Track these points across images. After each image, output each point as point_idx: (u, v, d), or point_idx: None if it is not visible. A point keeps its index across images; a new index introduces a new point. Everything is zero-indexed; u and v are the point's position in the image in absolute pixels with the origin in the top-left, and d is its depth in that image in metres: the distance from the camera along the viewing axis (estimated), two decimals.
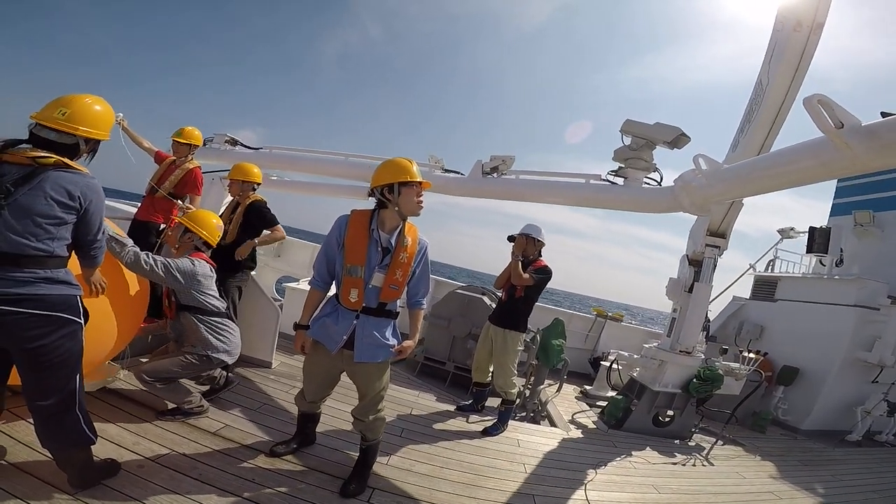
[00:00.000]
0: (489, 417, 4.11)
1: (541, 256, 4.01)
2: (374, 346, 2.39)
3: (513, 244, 3.94)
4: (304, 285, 5.40)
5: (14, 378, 1.89)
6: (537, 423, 4.64)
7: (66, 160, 1.78)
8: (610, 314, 7.77)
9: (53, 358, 1.77)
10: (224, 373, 3.05)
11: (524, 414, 4.73)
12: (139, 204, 4.25)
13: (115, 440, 2.40)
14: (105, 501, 1.99)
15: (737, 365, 5.18)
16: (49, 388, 1.82)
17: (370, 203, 2.48)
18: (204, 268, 2.90)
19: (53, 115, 1.78)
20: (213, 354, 2.87)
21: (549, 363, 4.71)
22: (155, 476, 2.23)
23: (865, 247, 6.95)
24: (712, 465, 4.23)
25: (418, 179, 2.35)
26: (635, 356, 5.41)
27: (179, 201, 3.81)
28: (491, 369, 4.13)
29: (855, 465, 5.08)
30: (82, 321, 1.86)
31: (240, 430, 2.91)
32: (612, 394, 5.73)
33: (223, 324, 2.97)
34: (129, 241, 2.57)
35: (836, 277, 6.70)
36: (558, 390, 5.19)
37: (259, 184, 3.87)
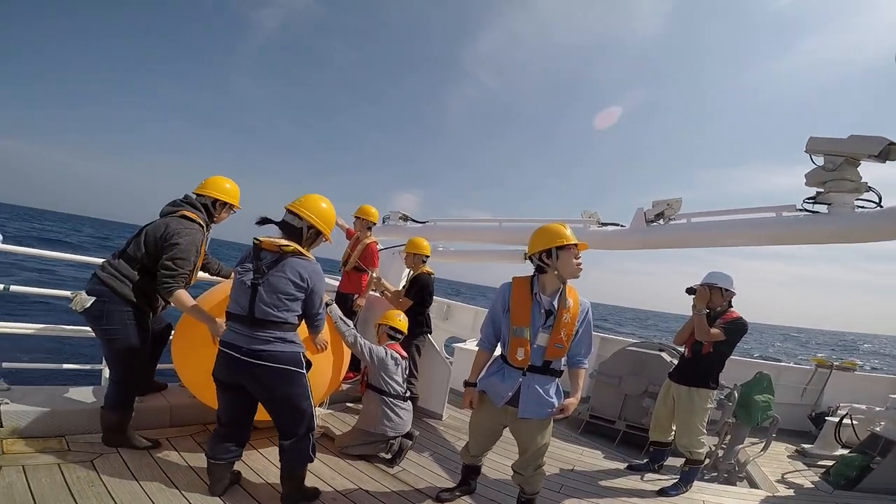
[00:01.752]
0: (668, 477, 3.74)
1: (731, 307, 3.56)
2: (538, 403, 2.50)
3: (694, 297, 3.56)
4: (469, 345, 5.85)
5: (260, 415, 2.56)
6: (733, 484, 4.09)
7: (301, 249, 2.35)
8: (836, 363, 6.42)
9: (286, 400, 2.35)
10: (408, 441, 3.49)
11: (715, 475, 4.20)
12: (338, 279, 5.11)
13: (316, 472, 2.90)
14: None
15: None
16: (290, 423, 2.40)
17: (525, 266, 2.67)
18: (393, 357, 3.52)
19: (296, 204, 2.42)
20: (378, 431, 3.37)
21: (750, 421, 4.14)
22: None
23: None
24: None
25: (574, 242, 2.42)
26: (878, 409, 4.41)
27: (372, 272, 4.58)
28: (673, 428, 3.76)
29: None
30: (305, 371, 2.45)
31: (413, 474, 3.29)
32: (841, 452, 4.76)
33: (397, 404, 3.46)
34: (351, 324, 3.38)
35: None
36: (764, 449, 4.40)
37: (428, 256, 4.37)
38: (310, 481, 2.71)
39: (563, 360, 2.55)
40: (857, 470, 4.02)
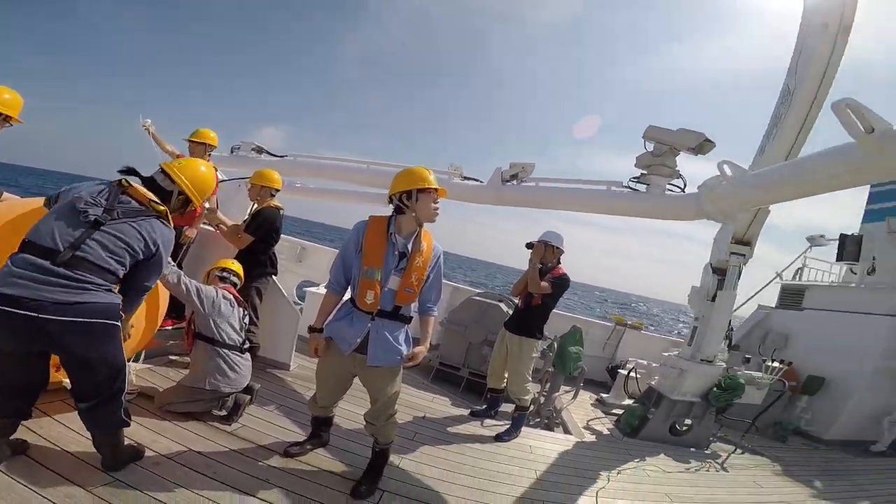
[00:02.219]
0: (503, 423, 4.09)
1: (560, 264, 3.97)
2: (387, 350, 2.41)
3: (531, 251, 3.90)
4: (323, 290, 5.42)
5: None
6: (551, 429, 4.61)
7: (168, 213, 2.12)
8: (630, 323, 7.67)
9: (100, 359, 1.93)
10: (245, 396, 3.08)
11: (538, 420, 4.70)
12: None
13: (135, 437, 2.43)
14: (120, 495, 2.04)
15: (759, 374, 5.06)
16: (97, 388, 1.99)
17: (388, 210, 2.52)
18: (227, 298, 3.01)
19: (171, 164, 2.19)
20: (209, 387, 2.89)
21: (565, 370, 4.66)
22: (170, 473, 2.28)
23: None
24: (727, 472, 4.15)
25: (435, 186, 2.41)
26: (654, 365, 5.37)
27: (205, 202, 3.93)
28: (506, 376, 4.11)
29: (876, 476, 4.99)
30: (119, 324, 1.98)
31: (256, 430, 2.95)
32: (628, 402, 5.68)
33: (230, 357, 2.99)
34: (173, 262, 2.71)
35: (862, 286, 6.54)
36: (574, 397, 5.11)
37: (277, 189, 3.92)
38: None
39: (413, 306, 2.52)
40: (639, 419, 4.81)
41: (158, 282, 2.64)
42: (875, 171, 1.95)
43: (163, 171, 2.20)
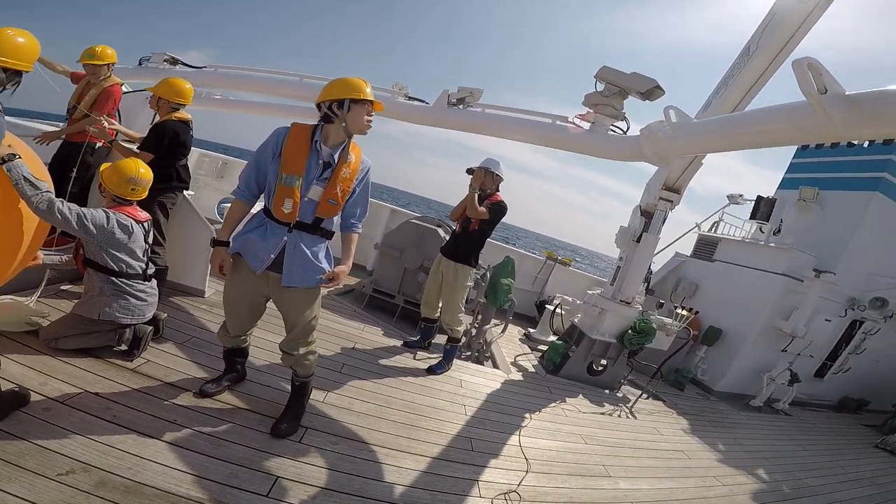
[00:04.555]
0: (436, 355, 4.13)
1: (498, 191, 3.91)
2: (305, 268, 2.22)
3: (471, 177, 3.80)
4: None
5: None
6: (481, 363, 4.72)
7: None
8: (559, 258, 7.79)
9: None
10: (147, 328, 2.73)
11: (469, 353, 4.79)
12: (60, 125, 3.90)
13: (17, 380, 2.13)
14: (4, 447, 1.77)
15: (669, 320, 5.40)
16: None
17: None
18: (122, 223, 2.53)
19: None
20: (104, 318, 2.54)
21: (496, 302, 4.70)
22: (63, 419, 2.00)
23: (804, 221, 7.26)
24: (635, 418, 4.48)
25: (370, 98, 2.18)
26: (578, 302, 5.54)
27: (103, 118, 3.35)
28: (440, 305, 4.09)
29: (753, 430, 5.43)
30: None
31: (163, 366, 2.69)
32: (553, 338, 5.91)
33: (132, 286, 2.63)
34: (44, 186, 2.17)
35: (772, 245, 7.01)
36: (503, 331, 5.23)
37: (182, 103, 3.42)
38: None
39: (336, 220, 2.33)
40: (560, 357, 5.05)
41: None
42: (820, 132, 1.98)
43: None
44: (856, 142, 7.48)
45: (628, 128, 3.73)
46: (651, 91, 3.30)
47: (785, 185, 8.34)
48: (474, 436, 3.07)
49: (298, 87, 4.76)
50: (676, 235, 8.38)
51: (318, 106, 2.20)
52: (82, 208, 2.35)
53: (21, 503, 1.55)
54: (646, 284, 5.47)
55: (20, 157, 2.06)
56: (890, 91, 1.69)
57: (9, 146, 2.08)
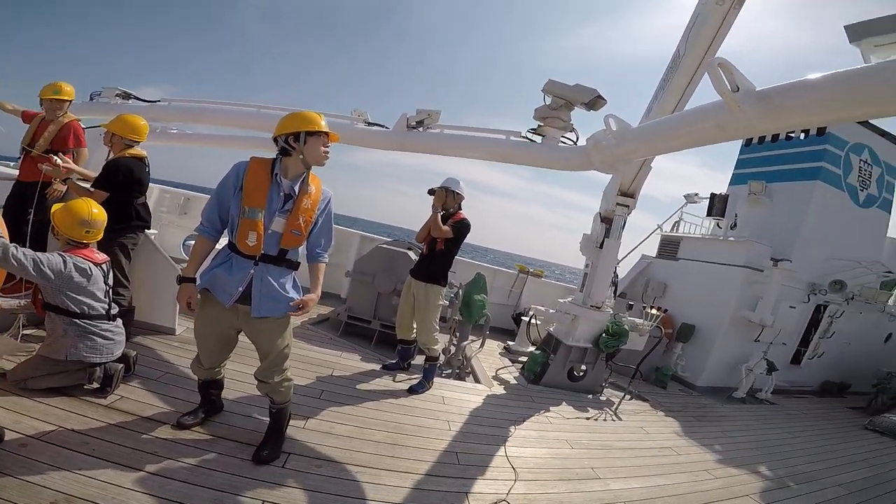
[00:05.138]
0: (416, 376, 4.14)
1: (460, 209, 4.02)
2: (274, 298, 2.27)
3: (433, 197, 3.91)
4: None
5: None
6: (463, 379, 4.76)
7: None
8: (532, 270, 7.96)
9: None
10: (118, 366, 2.73)
11: (450, 371, 4.83)
12: (10, 164, 3.95)
13: None
14: None
15: (641, 321, 5.56)
16: None
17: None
18: (79, 266, 2.54)
19: None
20: (72, 358, 2.54)
21: (471, 318, 4.77)
22: (40, 454, 2.01)
23: (757, 213, 7.65)
24: (620, 419, 4.52)
25: (325, 130, 2.28)
26: (551, 311, 5.64)
27: (56, 157, 3.32)
28: (415, 325, 4.14)
29: (740, 422, 5.49)
30: None
31: (138, 401, 2.67)
32: (531, 349, 5.96)
33: (96, 326, 2.63)
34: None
35: (730, 239, 7.33)
36: (481, 346, 5.30)
37: (137, 140, 3.43)
38: None
39: (301, 250, 2.40)
40: (540, 366, 5.11)
41: None
42: (738, 128, 2.17)
43: None
44: (775, 134, 8.04)
45: (577, 138, 3.93)
46: (593, 101, 3.51)
47: (735, 180, 8.80)
48: (460, 449, 3.08)
49: (256, 117, 4.80)
50: (640, 240, 8.69)
51: (276, 140, 2.28)
52: (39, 254, 2.36)
53: None
54: (613, 288, 5.63)
55: None
56: (792, 84, 1.88)
57: None
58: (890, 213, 8.31)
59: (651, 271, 8.29)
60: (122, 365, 2.75)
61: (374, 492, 2.38)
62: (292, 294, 2.32)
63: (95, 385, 2.62)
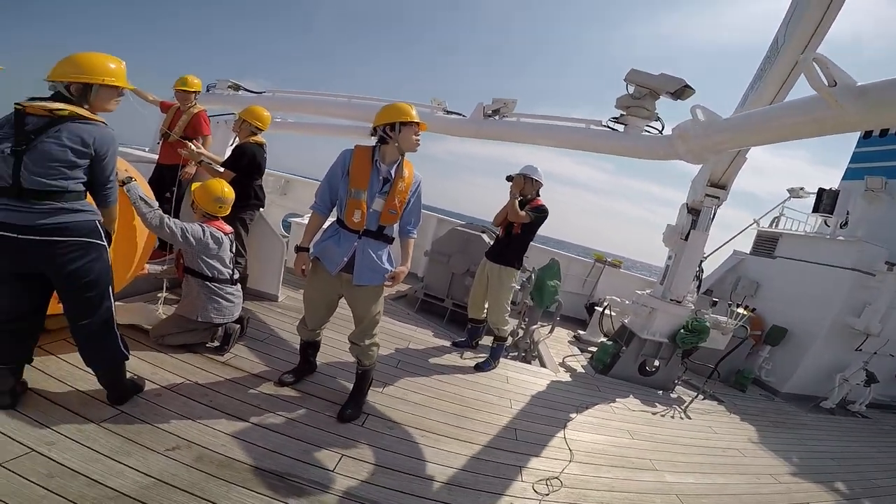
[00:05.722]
0: (483, 354, 4.33)
1: (538, 196, 4.09)
2: (372, 269, 2.58)
3: (511, 184, 4.01)
4: (308, 219, 5.48)
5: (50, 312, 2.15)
6: (528, 363, 4.84)
7: (80, 111, 1.95)
8: (609, 260, 7.76)
9: (87, 278, 2.02)
10: (235, 326, 3.21)
11: (516, 353, 4.94)
12: (146, 149, 4.63)
13: (135, 371, 2.54)
14: (125, 426, 2.16)
15: (724, 319, 5.27)
16: (87, 308, 2.08)
17: (369, 143, 2.64)
18: (214, 235, 3.03)
19: (57, 70, 1.97)
20: (202, 319, 3.02)
21: (542, 303, 4.82)
22: (170, 403, 2.41)
23: (873, 212, 6.80)
24: (689, 418, 4.42)
25: (417, 120, 2.54)
26: (627, 302, 5.53)
27: (191, 143, 3.91)
28: (486, 306, 4.29)
29: (823, 432, 5.20)
30: (106, 244, 2.09)
31: (248, 359, 3.14)
32: (603, 339, 5.92)
33: (223, 290, 3.09)
34: (156, 204, 2.70)
35: (839, 238, 6.62)
36: (550, 331, 5.31)
37: (261, 128, 3.90)
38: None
39: (395, 227, 2.67)
40: (610, 357, 5.07)
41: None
42: (835, 124, 2.04)
43: (50, 83, 2.02)
44: (873, 130, 6.98)
45: (663, 127, 3.80)
46: (681, 90, 3.38)
47: (849, 175, 7.85)
48: (519, 427, 3.23)
49: (347, 107, 5.19)
50: (732, 235, 8.07)
51: (374, 129, 2.57)
52: (184, 223, 2.87)
53: (136, 474, 1.88)
54: (697, 283, 5.38)
55: (135, 180, 2.60)
56: (893, 79, 1.75)
57: (125, 170, 2.62)
58: None
59: (743, 268, 7.70)
60: (238, 326, 3.25)
61: (437, 456, 2.62)
62: (387, 266, 2.63)
63: (217, 343, 3.12)
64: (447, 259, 5.38)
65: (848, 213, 6.88)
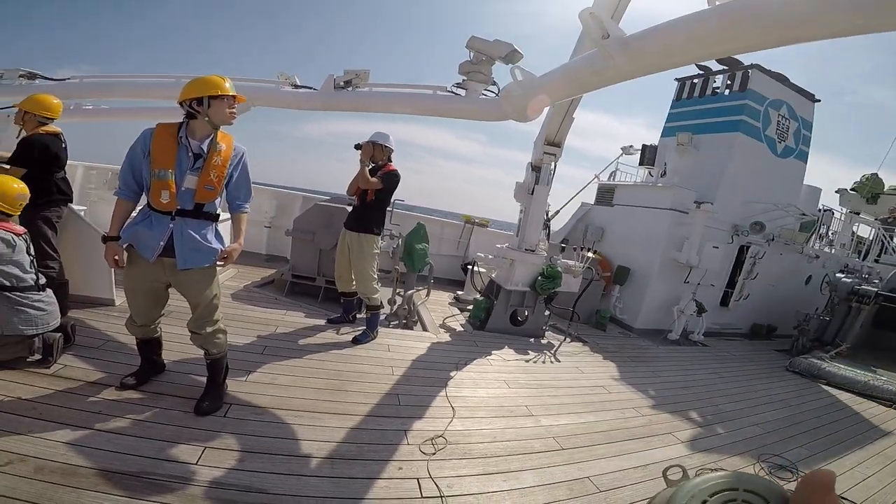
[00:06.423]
0: (362, 327, 4.29)
1: (390, 162, 4.14)
2: (197, 249, 2.42)
3: (360, 151, 3.99)
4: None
5: None
6: (410, 328, 4.94)
7: None
8: (477, 220, 8.11)
9: None
10: (56, 335, 2.80)
11: (396, 322, 5.00)
12: None
13: None
14: None
15: (573, 262, 5.89)
16: None
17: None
18: (3, 238, 2.57)
19: None
20: (9, 332, 2.60)
21: (414, 268, 4.92)
22: None
23: (683, 162, 8.09)
24: (559, 361, 4.74)
25: (229, 93, 2.41)
26: (490, 257, 5.90)
27: None
28: (353, 277, 4.24)
29: (671, 363, 5.72)
30: None
31: (81, 368, 2.79)
32: (476, 296, 6.20)
33: (27, 298, 2.68)
34: None
35: (659, 185, 7.79)
36: (427, 295, 5.46)
37: (51, 117, 3.38)
38: None
39: (218, 202, 2.54)
40: (484, 312, 5.39)
41: None
42: (609, 74, 2.37)
43: None
44: (702, 88, 8.47)
45: (499, 91, 4.07)
46: (510, 55, 3.64)
47: (666, 133, 9.22)
48: (401, 391, 3.29)
49: (176, 87, 4.59)
50: (579, 189, 9.08)
51: (181, 104, 2.38)
52: None
53: None
54: (546, 231, 5.93)
55: None
56: (649, 29, 2.08)
57: None
58: (806, 163, 8.87)
59: (590, 217, 8.73)
60: (60, 334, 2.83)
61: (313, 433, 2.58)
62: (215, 245, 2.47)
63: (37, 356, 2.70)
64: (312, 236, 5.20)
65: (665, 164, 8.11)
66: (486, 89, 3.93)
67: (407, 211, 7.46)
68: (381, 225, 4.18)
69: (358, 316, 4.61)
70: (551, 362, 4.69)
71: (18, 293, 2.64)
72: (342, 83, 4.33)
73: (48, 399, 2.40)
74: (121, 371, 2.80)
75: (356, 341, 4.06)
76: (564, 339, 5.42)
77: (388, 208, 4.50)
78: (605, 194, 8.64)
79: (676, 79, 9.32)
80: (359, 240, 4.06)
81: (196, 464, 2.14)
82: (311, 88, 4.51)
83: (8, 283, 2.60)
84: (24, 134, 3.35)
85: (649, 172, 8.48)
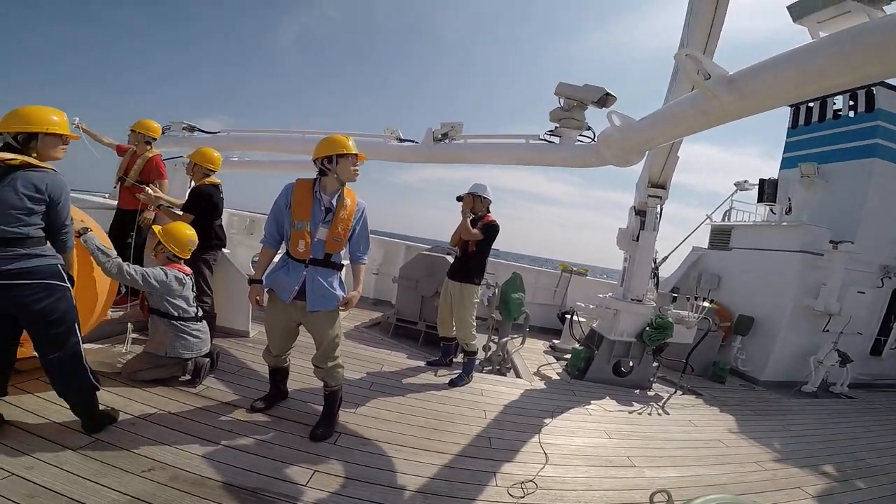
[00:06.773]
0: (457, 371, 4.39)
1: (489, 213, 4.30)
2: (324, 295, 2.72)
3: (461, 203, 4.22)
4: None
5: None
6: (503, 375, 4.90)
7: (30, 160, 2.09)
8: (575, 269, 7.95)
9: (53, 316, 2.15)
10: (205, 360, 3.31)
11: (490, 367, 5.00)
12: (106, 195, 4.72)
13: (108, 403, 2.63)
14: (101, 452, 2.26)
15: (686, 313, 5.45)
16: (55, 343, 2.20)
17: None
18: (177, 277, 3.15)
19: (3, 123, 2.14)
20: (171, 355, 3.13)
21: (510, 316, 4.93)
22: (145, 431, 2.51)
23: (811, 196, 7.21)
24: (667, 413, 4.44)
25: (353, 152, 2.72)
26: (591, 307, 5.67)
27: (147, 187, 4.02)
28: (454, 323, 4.40)
29: (806, 416, 5.21)
30: (69, 285, 2.23)
31: (220, 390, 3.22)
32: (575, 346, 5.97)
33: (188, 327, 3.21)
34: (113, 253, 2.85)
35: (784, 224, 6.98)
36: (522, 343, 5.40)
37: (214, 169, 4.04)
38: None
39: (344, 253, 2.82)
40: (584, 361, 5.17)
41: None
42: (718, 114, 2.28)
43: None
44: (821, 113, 7.59)
45: (594, 136, 4.09)
46: (603, 99, 3.68)
47: (785, 164, 8.36)
48: (493, 435, 3.27)
49: (302, 142, 5.37)
50: (689, 232, 8.43)
51: (314, 162, 2.76)
52: (143, 268, 2.99)
53: (114, 493, 1.98)
54: (654, 280, 5.60)
55: (91, 230, 2.73)
56: (756, 66, 2.00)
57: (81, 221, 2.74)
58: None
59: (703, 263, 8.01)
60: (208, 360, 3.35)
61: (411, 468, 2.67)
62: (339, 292, 2.78)
63: (188, 377, 3.21)
64: (415, 283, 5.56)
65: (790, 200, 7.27)
66: (580, 135, 3.98)
67: (503, 261, 7.57)
68: (481, 275, 4.32)
69: (454, 360, 4.72)
70: (658, 414, 4.38)
71: (183, 322, 3.20)
72: (440, 136, 4.67)
73: (191, 415, 2.79)
74: (251, 395, 3.19)
75: (452, 384, 4.16)
76: (675, 392, 5.00)
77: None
78: (721, 236, 7.93)
79: (790, 104, 8.53)
80: (461, 289, 4.23)
81: (305, 485, 2.32)
82: (413, 142, 4.92)
83: (176, 314, 3.16)
84: (192, 184, 4.05)
85: (771, 210, 7.66)
